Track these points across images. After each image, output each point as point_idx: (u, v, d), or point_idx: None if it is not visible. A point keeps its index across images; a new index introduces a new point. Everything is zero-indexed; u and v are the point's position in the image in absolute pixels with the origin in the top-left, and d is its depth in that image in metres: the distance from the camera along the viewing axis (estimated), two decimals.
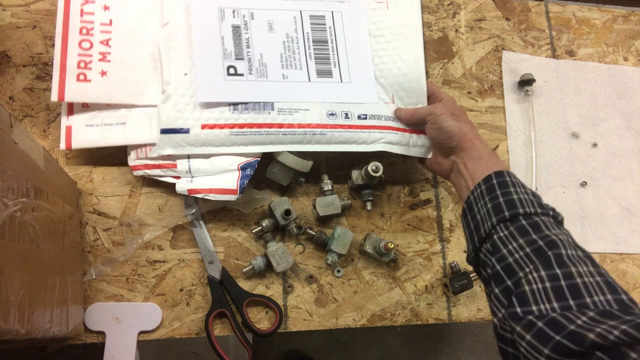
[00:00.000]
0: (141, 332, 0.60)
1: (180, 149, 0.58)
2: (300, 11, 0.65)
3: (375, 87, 0.65)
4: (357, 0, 0.68)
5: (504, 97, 0.78)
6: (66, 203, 0.55)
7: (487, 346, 1.46)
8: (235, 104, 0.59)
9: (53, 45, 0.64)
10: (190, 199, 0.63)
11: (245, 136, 0.59)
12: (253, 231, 0.63)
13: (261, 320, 0.63)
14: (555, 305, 0.38)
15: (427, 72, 0.76)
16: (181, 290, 0.62)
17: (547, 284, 0.39)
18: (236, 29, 0.62)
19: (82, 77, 0.59)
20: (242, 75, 0.60)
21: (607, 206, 0.77)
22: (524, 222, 0.45)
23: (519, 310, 0.39)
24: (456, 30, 0.79)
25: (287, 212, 0.62)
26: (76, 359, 0.79)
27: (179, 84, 0.59)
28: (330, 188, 0.65)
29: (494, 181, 0.50)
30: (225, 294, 0.62)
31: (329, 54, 0.64)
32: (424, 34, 0.77)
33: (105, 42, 0.61)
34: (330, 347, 1.40)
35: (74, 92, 0.58)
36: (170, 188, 0.63)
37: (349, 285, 0.66)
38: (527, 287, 0.40)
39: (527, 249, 0.42)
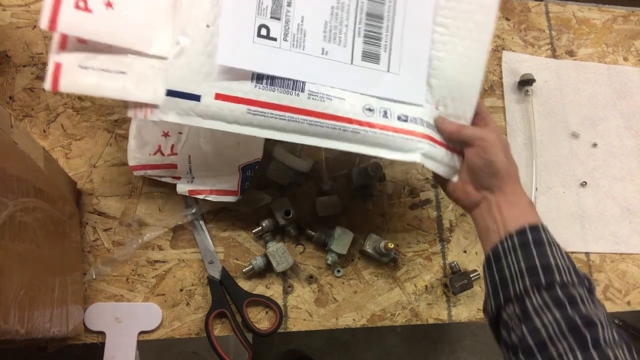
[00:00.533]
0: (141, 332, 0.60)
1: (186, 118, 0.49)
2: None
3: (425, 85, 0.55)
4: None
5: (504, 97, 0.78)
6: (66, 203, 0.55)
7: (487, 346, 1.46)
8: (260, 77, 0.49)
9: None
10: (190, 199, 0.63)
11: (265, 117, 0.49)
12: (253, 231, 0.63)
13: (261, 320, 0.63)
14: None
15: None
16: (181, 290, 0.62)
17: None
18: None
19: (82, 4, 0.48)
20: (274, 39, 0.50)
21: (607, 206, 0.77)
22: (560, 292, 0.42)
23: None
24: None
25: (287, 212, 0.62)
26: (76, 359, 0.79)
27: (197, 37, 0.48)
28: (330, 188, 0.65)
29: (529, 236, 0.46)
30: (225, 294, 0.62)
31: (381, 33, 0.53)
32: None
33: None
34: (330, 347, 1.40)
35: (70, 22, 0.47)
36: (170, 188, 0.63)
37: (349, 285, 0.66)
38: None
39: (563, 325, 0.40)
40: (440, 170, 0.54)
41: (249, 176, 0.60)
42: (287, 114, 0.50)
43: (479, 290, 0.69)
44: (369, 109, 0.52)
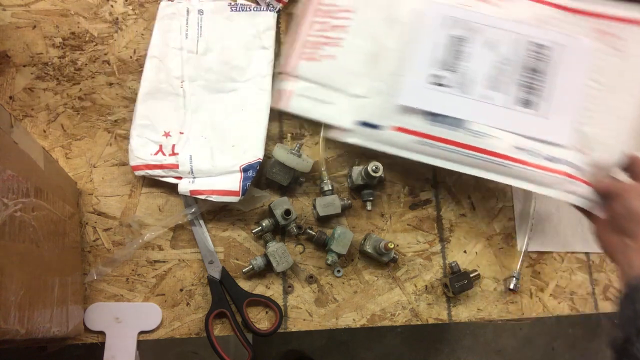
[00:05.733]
0: (141, 332, 0.60)
1: (368, 142, 0.63)
2: (524, 35, 0.63)
3: (569, 128, 0.62)
4: (585, 43, 0.63)
5: None
6: (66, 203, 0.55)
7: (487, 346, 1.45)
8: (430, 115, 0.61)
9: (53, 45, 0.65)
10: (189, 199, 0.63)
11: (431, 148, 0.61)
12: (253, 231, 0.63)
13: (261, 320, 0.63)
14: None
15: None
16: (181, 290, 0.62)
17: None
18: (453, 40, 0.62)
19: (313, 55, 0.65)
20: (445, 86, 0.61)
21: None
22: None
23: None
24: None
25: (287, 212, 0.62)
26: (76, 359, 0.79)
27: (388, 83, 0.63)
28: (330, 188, 0.65)
29: None
30: (225, 294, 0.62)
31: (537, 84, 0.62)
32: None
33: (342, 28, 0.66)
34: (330, 347, 1.41)
35: (305, 69, 0.65)
36: (170, 188, 0.63)
37: (349, 285, 0.66)
38: None
39: None
40: (582, 203, 0.60)
41: (250, 176, 0.60)
42: (450, 147, 0.60)
43: (478, 290, 0.69)
44: (519, 148, 0.60)
